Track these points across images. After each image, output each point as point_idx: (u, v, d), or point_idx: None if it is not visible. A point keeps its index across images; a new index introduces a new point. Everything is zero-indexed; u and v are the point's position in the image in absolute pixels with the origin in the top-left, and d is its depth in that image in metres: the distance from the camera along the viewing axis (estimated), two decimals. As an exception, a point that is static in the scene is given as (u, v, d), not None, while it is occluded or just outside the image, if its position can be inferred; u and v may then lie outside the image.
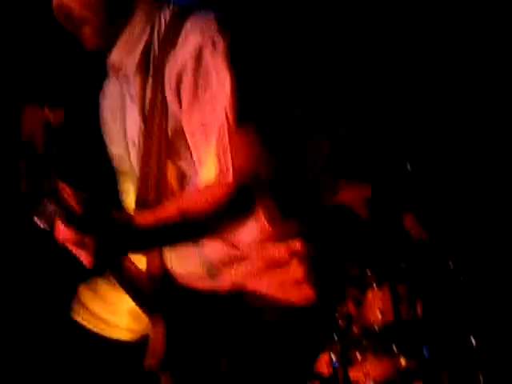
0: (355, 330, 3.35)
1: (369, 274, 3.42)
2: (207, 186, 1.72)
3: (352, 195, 3.80)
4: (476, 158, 4.25)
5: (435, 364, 3.36)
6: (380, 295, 3.38)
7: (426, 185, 4.04)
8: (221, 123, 1.72)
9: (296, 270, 1.80)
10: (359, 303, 3.39)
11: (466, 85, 4.27)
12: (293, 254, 1.80)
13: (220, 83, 1.73)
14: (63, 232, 1.50)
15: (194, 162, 1.80)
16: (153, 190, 1.75)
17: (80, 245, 1.48)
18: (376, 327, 3.34)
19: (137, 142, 1.89)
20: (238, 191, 1.74)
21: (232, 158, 1.70)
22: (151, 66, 1.93)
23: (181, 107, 1.80)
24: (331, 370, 3.16)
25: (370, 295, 3.40)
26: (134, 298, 1.92)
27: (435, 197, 4.11)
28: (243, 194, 1.77)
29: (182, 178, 1.80)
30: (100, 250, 1.51)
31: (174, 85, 1.81)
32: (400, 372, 3.22)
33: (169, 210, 1.71)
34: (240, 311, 1.81)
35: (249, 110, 1.74)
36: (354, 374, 3.23)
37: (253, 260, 1.78)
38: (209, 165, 1.66)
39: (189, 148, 1.60)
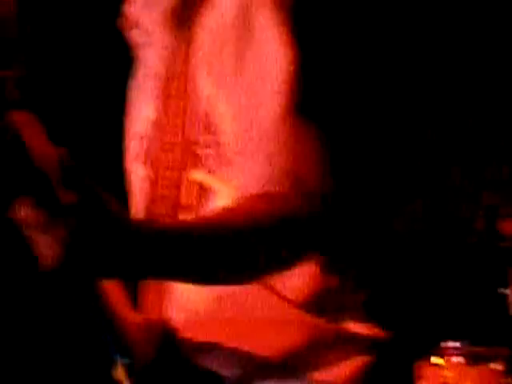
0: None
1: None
2: (253, 196, 1.14)
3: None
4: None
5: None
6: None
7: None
8: (273, 108, 1.14)
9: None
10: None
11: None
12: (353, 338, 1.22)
13: (274, 52, 1.16)
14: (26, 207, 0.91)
15: (219, 170, 1.21)
16: (162, 207, 1.25)
17: (45, 230, 0.91)
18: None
19: (145, 137, 1.27)
20: (300, 206, 1.14)
21: (291, 161, 1.14)
22: (176, 25, 1.29)
23: (214, 88, 1.22)
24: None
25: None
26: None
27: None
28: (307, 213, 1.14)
29: (202, 192, 1.21)
30: (72, 244, 0.91)
31: (207, 55, 1.23)
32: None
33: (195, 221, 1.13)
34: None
35: (313, 98, 1.16)
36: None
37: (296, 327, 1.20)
38: (252, 170, 1.14)
39: (211, 148, 1.16)
